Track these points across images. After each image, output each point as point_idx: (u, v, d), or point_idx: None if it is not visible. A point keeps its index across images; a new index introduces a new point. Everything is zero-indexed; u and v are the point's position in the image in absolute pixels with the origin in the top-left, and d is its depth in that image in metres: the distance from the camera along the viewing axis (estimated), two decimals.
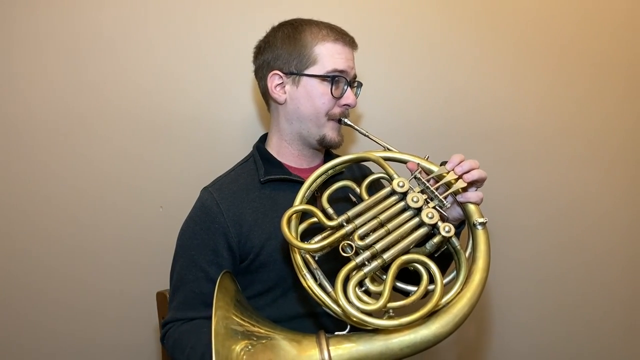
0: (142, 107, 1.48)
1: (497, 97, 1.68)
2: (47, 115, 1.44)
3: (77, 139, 1.46)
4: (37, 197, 1.45)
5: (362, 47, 1.22)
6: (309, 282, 0.92)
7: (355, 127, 1.15)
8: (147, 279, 1.49)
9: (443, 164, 1.02)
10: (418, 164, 1.02)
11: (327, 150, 1.27)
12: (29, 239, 1.46)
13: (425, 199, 0.94)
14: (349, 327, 0.89)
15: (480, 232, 0.95)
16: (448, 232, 0.91)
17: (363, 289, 0.88)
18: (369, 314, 0.83)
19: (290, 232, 0.92)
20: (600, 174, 1.77)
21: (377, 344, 0.86)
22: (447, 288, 0.91)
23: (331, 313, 0.90)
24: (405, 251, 0.90)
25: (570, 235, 1.77)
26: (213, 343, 0.79)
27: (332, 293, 0.89)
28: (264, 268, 1.11)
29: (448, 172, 0.99)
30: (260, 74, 1.19)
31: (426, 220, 0.91)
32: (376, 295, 0.86)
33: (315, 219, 0.95)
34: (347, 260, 0.88)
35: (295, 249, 0.93)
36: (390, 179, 0.97)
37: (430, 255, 0.93)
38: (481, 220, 0.96)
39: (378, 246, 0.89)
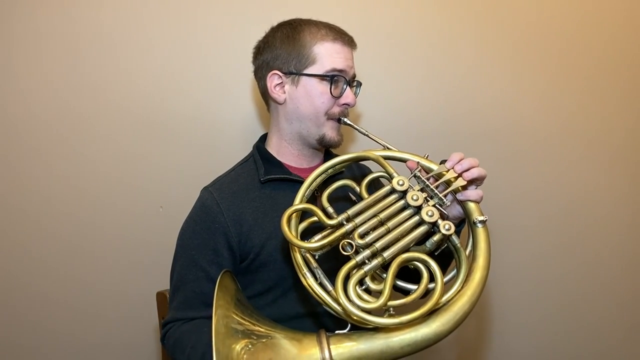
0: (142, 107, 1.49)
1: (497, 97, 1.68)
2: (47, 115, 1.44)
3: (77, 139, 1.46)
4: (37, 197, 1.45)
5: (361, 46, 1.22)
6: (309, 281, 0.92)
7: (355, 126, 1.15)
8: (147, 279, 1.49)
9: (443, 162, 1.02)
10: (418, 162, 1.02)
11: (326, 150, 1.27)
12: (29, 239, 1.46)
13: (425, 197, 0.94)
14: (349, 326, 0.89)
15: (480, 230, 0.96)
16: (448, 230, 0.91)
17: (363, 287, 0.88)
18: (369, 312, 0.83)
19: (290, 231, 0.92)
20: (600, 174, 1.77)
21: (378, 342, 0.85)
22: (447, 286, 0.91)
23: (331, 312, 0.90)
24: (406, 249, 0.90)
25: (570, 235, 1.77)
26: (214, 342, 0.79)
27: (333, 292, 0.89)
28: (264, 268, 1.11)
29: (448, 171, 0.99)
30: (260, 74, 1.20)
31: (426, 218, 0.91)
32: (376, 294, 0.86)
33: (315, 218, 0.95)
34: (347, 259, 0.88)
35: (296, 247, 0.93)
36: (390, 178, 0.97)
37: (430, 254, 0.92)
38: (481, 218, 0.96)
39: (378, 244, 0.89)
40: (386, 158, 1.03)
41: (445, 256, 1.00)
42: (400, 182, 0.95)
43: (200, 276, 1.08)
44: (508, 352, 1.79)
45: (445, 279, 0.92)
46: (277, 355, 0.86)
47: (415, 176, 0.99)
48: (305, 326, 1.09)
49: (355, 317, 0.84)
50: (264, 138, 1.27)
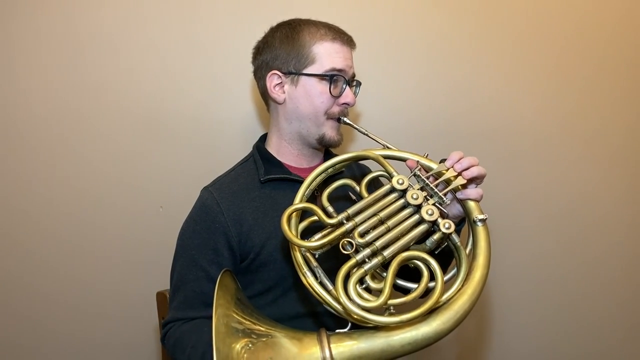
0: (142, 107, 1.49)
1: (496, 96, 1.69)
2: (47, 115, 1.44)
3: (76, 139, 1.46)
4: (37, 197, 1.45)
5: (361, 46, 1.22)
6: (310, 280, 0.92)
7: (355, 125, 1.15)
8: (147, 279, 1.49)
9: (442, 161, 1.02)
10: (417, 161, 1.02)
11: (326, 150, 1.27)
12: (29, 239, 1.46)
13: (425, 196, 0.94)
14: (349, 324, 0.89)
15: (480, 229, 0.96)
16: (448, 228, 0.91)
17: (364, 286, 0.88)
18: (370, 311, 0.83)
19: (291, 230, 0.92)
20: (600, 173, 1.77)
21: (379, 341, 0.85)
22: (447, 285, 0.91)
23: (332, 311, 0.90)
24: (406, 248, 0.90)
25: (570, 235, 1.77)
26: (214, 341, 0.79)
27: (333, 291, 0.89)
28: (264, 267, 1.11)
29: (447, 169, 0.99)
30: (259, 74, 1.20)
31: (426, 217, 0.91)
32: (377, 293, 0.86)
33: (315, 218, 0.95)
34: (348, 258, 0.88)
35: (296, 247, 0.93)
36: (390, 177, 0.97)
37: (430, 253, 0.92)
38: (481, 216, 0.96)
39: (378, 243, 0.88)
40: (386, 157, 1.03)
41: (446, 255, 1.00)
42: (400, 181, 0.95)
43: (200, 276, 1.08)
44: (508, 351, 1.78)
45: (446, 278, 0.92)
46: (278, 354, 0.86)
47: (415, 175, 0.99)
48: (306, 326, 1.09)
49: (355, 316, 0.84)
50: (263, 138, 1.27)
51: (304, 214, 0.99)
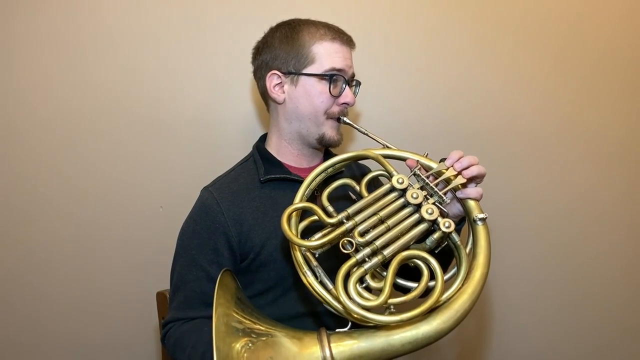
0: (142, 107, 1.49)
1: (495, 96, 1.69)
2: (48, 115, 1.44)
3: (77, 138, 1.46)
4: (37, 196, 1.45)
5: (360, 46, 1.22)
6: (310, 279, 0.92)
7: (354, 125, 1.16)
8: (147, 279, 1.49)
9: (442, 161, 1.02)
10: (417, 160, 1.02)
11: (326, 150, 1.27)
12: (29, 238, 1.46)
13: (425, 195, 0.94)
14: (350, 324, 0.89)
15: (480, 228, 0.96)
16: (448, 227, 0.91)
17: (364, 285, 0.88)
18: (370, 310, 0.83)
19: (291, 229, 0.92)
20: (599, 173, 1.77)
21: (379, 340, 0.85)
22: (448, 284, 0.91)
23: (332, 310, 0.90)
24: (406, 247, 0.90)
25: (569, 235, 1.77)
26: (214, 340, 0.79)
27: (333, 290, 0.89)
28: (265, 267, 1.11)
29: (447, 169, 0.99)
30: (259, 74, 1.20)
31: (426, 216, 0.91)
32: (377, 292, 0.86)
33: (315, 217, 0.95)
34: (348, 257, 0.88)
35: (296, 246, 0.93)
36: (390, 176, 0.97)
37: (430, 252, 0.92)
38: (481, 215, 0.96)
39: (378, 242, 0.89)
40: (386, 157, 1.03)
41: (446, 255, 1.00)
42: (400, 180, 0.95)
43: (200, 276, 1.08)
44: (508, 351, 1.78)
45: (446, 277, 0.92)
46: (278, 353, 0.86)
47: (414, 174, 0.99)
48: (306, 326, 1.09)
49: (355, 315, 0.84)
50: (263, 138, 1.27)
51: (304, 213, 1.00)
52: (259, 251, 1.09)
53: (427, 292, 0.87)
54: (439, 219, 0.92)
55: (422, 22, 1.63)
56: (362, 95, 1.33)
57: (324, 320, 1.12)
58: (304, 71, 1.13)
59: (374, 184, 1.14)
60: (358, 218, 0.92)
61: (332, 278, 0.88)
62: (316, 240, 0.89)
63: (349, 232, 0.90)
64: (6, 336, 1.46)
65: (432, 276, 0.87)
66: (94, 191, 1.48)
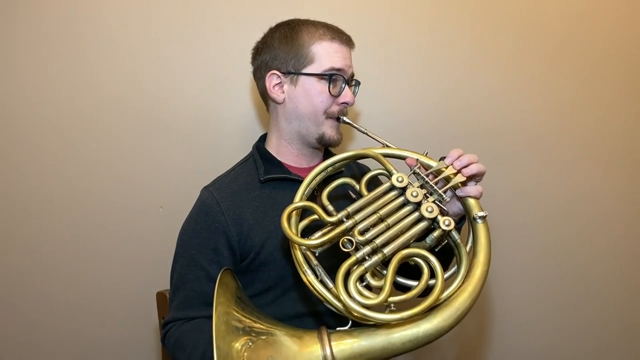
0: (142, 106, 1.49)
1: (495, 95, 1.69)
2: (48, 114, 1.44)
3: (77, 138, 1.46)
4: (38, 196, 1.45)
5: (360, 46, 1.22)
6: (310, 278, 0.92)
7: (354, 124, 1.16)
8: (147, 278, 1.48)
9: (442, 159, 1.02)
10: (417, 159, 1.02)
11: (326, 149, 1.27)
12: (29, 238, 1.46)
13: (425, 194, 0.95)
14: (350, 322, 0.89)
15: (480, 226, 0.96)
16: (448, 225, 0.91)
17: (364, 284, 0.88)
18: (370, 308, 0.83)
19: (291, 228, 0.92)
20: (598, 173, 1.77)
21: (379, 338, 0.85)
22: (448, 282, 0.91)
23: (332, 309, 0.90)
24: (406, 245, 0.90)
25: (569, 235, 1.77)
26: (214, 339, 0.79)
27: (333, 289, 0.89)
28: (265, 267, 1.11)
29: (447, 167, 0.99)
30: (259, 75, 1.20)
31: (426, 214, 0.91)
32: (377, 291, 0.86)
33: (315, 216, 0.95)
34: (348, 256, 0.88)
35: (296, 245, 0.93)
36: (389, 175, 0.97)
37: (431, 250, 0.92)
38: (481, 213, 0.96)
39: (378, 241, 0.89)
40: (385, 156, 1.03)
41: (446, 254, 1.00)
42: (400, 179, 0.95)
43: (200, 275, 1.08)
44: (508, 351, 1.78)
45: (446, 275, 0.92)
46: (278, 352, 0.86)
47: (414, 173, 1.00)
48: (306, 325, 1.07)
49: (356, 314, 0.84)
50: (263, 138, 1.27)
51: (304, 212, 1.00)
52: (259, 251, 1.09)
53: (428, 290, 0.87)
54: (439, 217, 0.92)
55: (422, 22, 1.63)
56: (362, 95, 1.33)
57: (324, 319, 1.12)
58: (304, 71, 1.13)
59: (373, 183, 1.14)
60: (358, 217, 0.92)
61: (332, 277, 0.89)
62: (316, 239, 0.89)
63: (349, 231, 0.90)
64: (6, 336, 1.46)
65: (433, 274, 0.87)
66: (94, 191, 1.48)
